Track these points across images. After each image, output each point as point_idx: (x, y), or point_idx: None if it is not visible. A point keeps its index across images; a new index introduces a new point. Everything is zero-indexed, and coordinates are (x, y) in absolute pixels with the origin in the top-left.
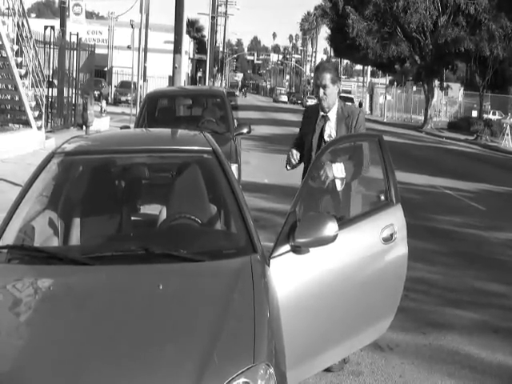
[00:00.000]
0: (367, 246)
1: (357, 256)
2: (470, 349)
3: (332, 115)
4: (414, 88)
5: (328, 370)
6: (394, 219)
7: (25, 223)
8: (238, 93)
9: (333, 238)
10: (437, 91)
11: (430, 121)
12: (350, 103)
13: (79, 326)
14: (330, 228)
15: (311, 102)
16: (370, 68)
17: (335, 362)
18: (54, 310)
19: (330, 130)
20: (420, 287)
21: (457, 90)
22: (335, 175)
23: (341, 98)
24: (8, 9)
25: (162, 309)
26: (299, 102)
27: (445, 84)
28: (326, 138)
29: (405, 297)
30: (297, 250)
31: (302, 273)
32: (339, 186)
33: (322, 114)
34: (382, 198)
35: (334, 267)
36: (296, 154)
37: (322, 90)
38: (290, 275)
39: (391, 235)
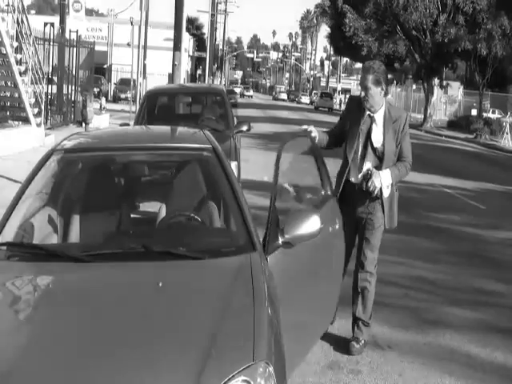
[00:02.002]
0: (320, 238)
1: (314, 248)
2: (470, 347)
3: (379, 117)
4: (414, 86)
5: (349, 353)
6: (334, 211)
7: (24, 220)
8: (250, 92)
9: (318, 233)
10: (436, 90)
11: (429, 119)
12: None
13: (78, 323)
14: (316, 222)
15: (305, 98)
16: None
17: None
18: (53, 308)
19: (378, 134)
20: (419, 285)
21: (456, 89)
22: (383, 183)
23: (322, 94)
24: (8, 5)
25: (161, 306)
26: (296, 99)
27: (444, 82)
28: (375, 143)
29: (404, 295)
30: (287, 245)
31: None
32: (386, 193)
33: (368, 112)
34: (322, 192)
35: (299, 260)
36: (323, 135)
37: (363, 92)
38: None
39: (332, 227)
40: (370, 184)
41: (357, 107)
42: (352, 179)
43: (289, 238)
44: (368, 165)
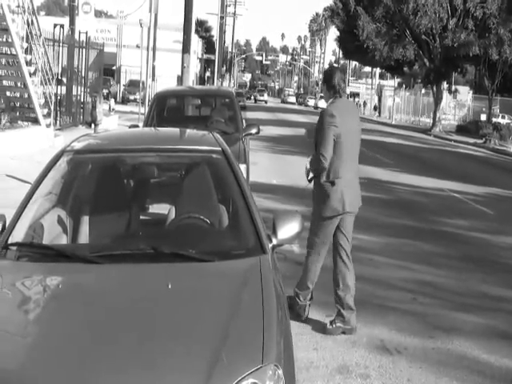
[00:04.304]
0: None
1: None
2: (479, 353)
3: None
4: (423, 91)
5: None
6: None
7: (34, 221)
8: (265, 96)
9: (301, 231)
10: (445, 94)
11: (438, 124)
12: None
13: (87, 324)
14: (301, 223)
15: (311, 101)
16: (378, 70)
17: None
18: (62, 308)
19: None
20: (428, 291)
21: (465, 93)
22: (307, 167)
23: (320, 96)
24: (18, 6)
25: (170, 308)
26: (303, 102)
27: (453, 88)
28: None
29: (412, 300)
30: (276, 247)
31: None
32: (309, 177)
33: None
34: None
35: None
36: None
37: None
38: None
39: None
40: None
41: None
42: None
43: (282, 240)
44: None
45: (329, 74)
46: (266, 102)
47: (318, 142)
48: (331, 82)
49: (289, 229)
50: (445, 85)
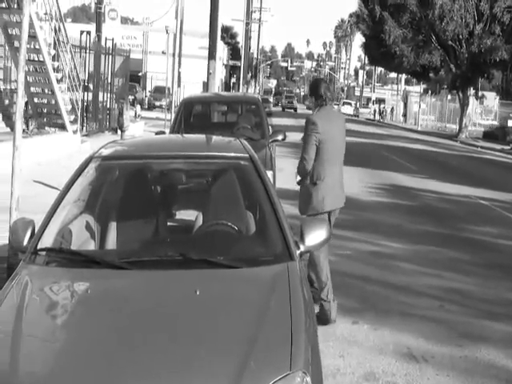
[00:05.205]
0: None
1: None
2: (507, 362)
3: None
4: (449, 96)
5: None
6: None
7: (63, 226)
8: (295, 103)
9: (328, 239)
10: (472, 100)
11: (464, 130)
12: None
13: (115, 329)
14: (328, 230)
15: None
16: (404, 76)
17: None
18: (91, 314)
19: None
20: (454, 298)
21: (492, 99)
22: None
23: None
24: (46, 14)
25: (198, 314)
26: None
27: (480, 93)
28: None
29: (439, 307)
30: (303, 254)
31: None
32: (297, 179)
33: None
34: None
35: None
36: None
37: None
38: None
39: None
40: None
41: None
42: None
43: (310, 246)
44: None
45: (315, 86)
46: (295, 109)
47: (302, 146)
48: (318, 93)
49: (316, 235)
50: (471, 91)
